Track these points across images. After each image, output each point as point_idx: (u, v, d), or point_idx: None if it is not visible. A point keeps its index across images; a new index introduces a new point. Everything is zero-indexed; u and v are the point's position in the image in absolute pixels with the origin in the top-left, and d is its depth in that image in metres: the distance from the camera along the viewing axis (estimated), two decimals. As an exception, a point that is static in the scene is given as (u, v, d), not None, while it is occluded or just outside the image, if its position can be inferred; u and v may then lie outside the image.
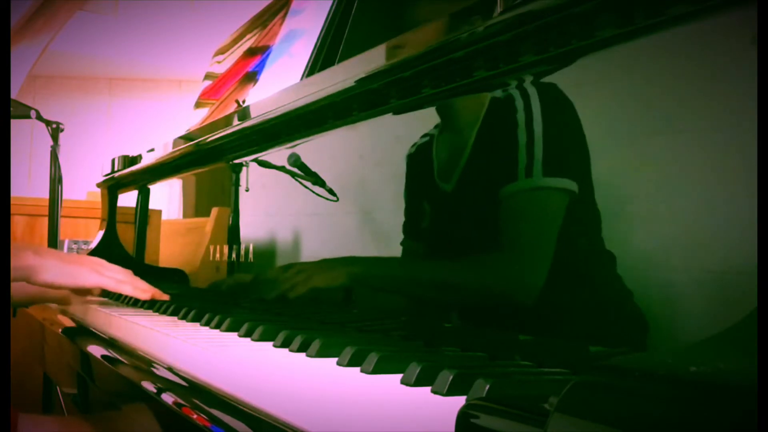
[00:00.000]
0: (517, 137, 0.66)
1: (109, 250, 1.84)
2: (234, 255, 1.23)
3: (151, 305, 1.30)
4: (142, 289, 1.26)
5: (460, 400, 0.46)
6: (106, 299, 1.53)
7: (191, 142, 1.37)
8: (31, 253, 1.21)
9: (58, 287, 1.26)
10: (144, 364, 0.83)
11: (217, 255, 1.29)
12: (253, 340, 0.84)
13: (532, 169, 0.65)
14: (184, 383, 0.70)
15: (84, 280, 1.24)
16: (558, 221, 0.63)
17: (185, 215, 1.57)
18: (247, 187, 1.22)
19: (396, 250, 0.85)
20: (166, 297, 1.27)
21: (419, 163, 0.81)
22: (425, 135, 0.81)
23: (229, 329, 0.93)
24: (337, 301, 0.96)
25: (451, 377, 0.53)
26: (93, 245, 1.89)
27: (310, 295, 1.02)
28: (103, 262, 1.28)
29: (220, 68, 1.75)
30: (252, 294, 1.18)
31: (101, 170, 1.91)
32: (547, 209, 0.64)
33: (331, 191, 0.97)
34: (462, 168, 0.75)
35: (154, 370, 0.79)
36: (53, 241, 2.02)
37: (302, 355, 0.72)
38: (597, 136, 0.60)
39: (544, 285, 0.64)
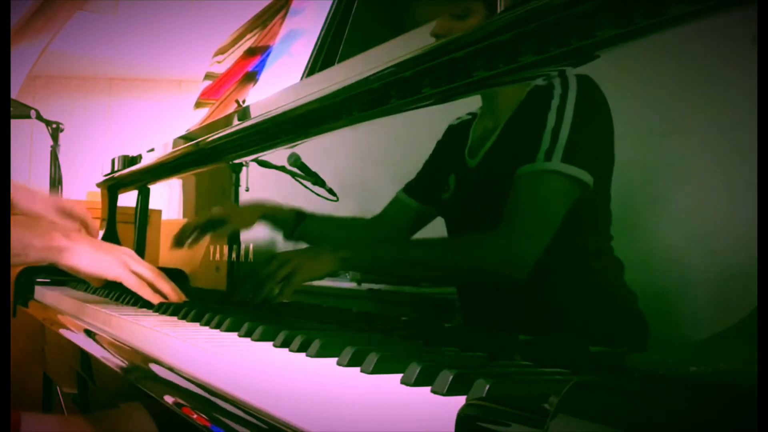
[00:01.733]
0: (546, 122, 0.65)
1: (109, 250, 1.84)
2: (234, 255, 1.23)
3: (151, 305, 1.30)
4: (166, 293, 1.24)
5: (460, 400, 0.46)
6: (106, 299, 1.53)
7: (191, 142, 1.37)
8: (61, 235, 1.20)
9: (83, 274, 1.24)
10: (144, 364, 0.83)
11: (217, 255, 1.29)
12: (253, 340, 0.84)
13: (552, 153, 0.65)
14: (184, 383, 0.70)
15: (108, 271, 1.22)
16: (563, 209, 0.63)
17: (185, 215, 1.57)
18: (247, 187, 1.22)
19: (396, 249, 0.85)
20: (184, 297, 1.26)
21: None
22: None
23: (229, 329, 0.93)
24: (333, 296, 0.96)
25: (451, 377, 0.53)
26: (93, 245, 1.89)
27: (311, 300, 1.02)
28: (133, 255, 1.26)
29: (220, 68, 1.75)
30: (238, 297, 1.18)
31: (101, 170, 1.91)
32: (555, 193, 0.64)
33: (331, 191, 0.97)
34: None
35: (154, 370, 0.79)
36: (53, 241, 2.02)
37: (302, 355, 0.72)
38: (597, 136, 0.60)
39: (544, 284, 0.64)
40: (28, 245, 1.15)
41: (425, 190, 0.82)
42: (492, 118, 0.75)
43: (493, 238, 0.71)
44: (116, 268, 1.22)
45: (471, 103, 0.78)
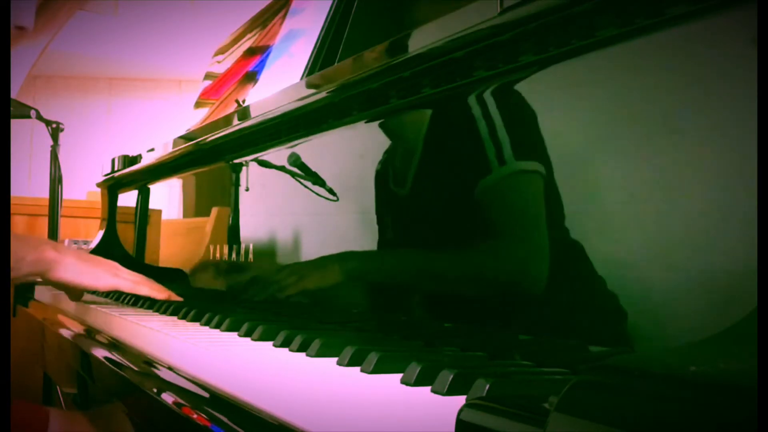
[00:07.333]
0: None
1: (109, 249, 1.84)
2: (234, 255, 1.23)
3: (152, 305, 1.30)
4: (159, 289, 1.27)
5: (460, 400, 0.46)
6: (106, 299, 1.53)
7: (191, 142, 1.37)
8: (50, 248, 1.22)
9: (73, 286, 1.26)
10: (144, 363, 0.83)
11: (217, 255, 1.29)
12: (253, 339, 0.84)
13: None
14: (183, 383, 0.70)
15: (99, 281, 1.25)
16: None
17: (185, 215, 1.57)
18: (247, 187, 1.22)
19: (396, 250, 0.85)
20: (179, 298, 1.28)
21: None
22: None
23: (229, 329, 0.93)
24: (335, 299, 0.96)
25: (451, 377, 0.53)
26: (93, 245, 1.89)
27: (303, 297, 1.02)
28: (119, 265, 1.30)
29: (220, 68, 1.75)
30: (246, 294, 1.18)
31: (101, 170, 1.91)
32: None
33: (331, 191, 0.97)
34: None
35: (154, 369, 0.79)
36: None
37: (302, 354, 0.72)
38: (597, 136, 0.60)
39: (543, 284, 0.64)
40: (20, 259, 1.17)
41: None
42: (450, 135, 0.76)
43: (512, 265, 0.68)
44: (109, 278, 1.26)
45: (420, 124, 0.82)
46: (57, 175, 1.99)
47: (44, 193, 2.10)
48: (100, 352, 1.00)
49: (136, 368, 0.83)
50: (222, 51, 1.81)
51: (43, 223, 2.18)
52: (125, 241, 1.84)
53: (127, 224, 1.84)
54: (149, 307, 1.31)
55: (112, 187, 1.91)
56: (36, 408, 1.17)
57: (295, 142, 1.06)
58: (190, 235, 1.49)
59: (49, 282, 1.26)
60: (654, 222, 0.54)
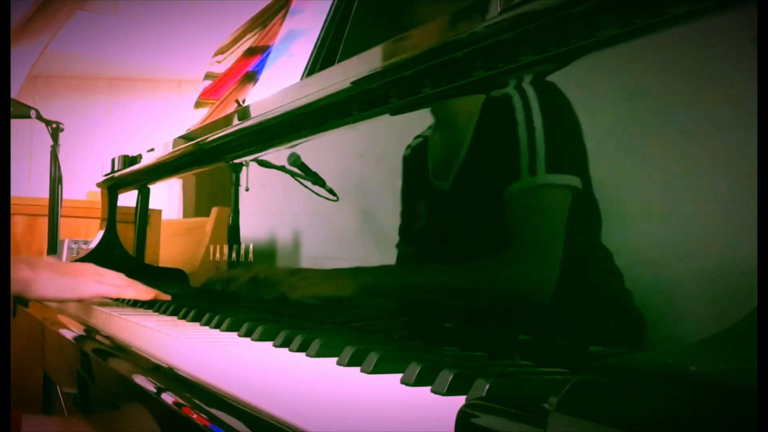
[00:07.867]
0: (518, 135, 0.66)
1: (109, 249, 1.84)
2: (234, 255, 1.23)
3: (151, 305, 1.30)
4: (145, 290, 1.26)
5: (460, 400, 0.46)
6: (106, 299, 1.53)
7: (191, 142, 1.37)
8: (25, 266, 1.17)
9: (56, 301, 1.24)
10: (144, 363, 0.83)
11: (217, 255, 1.29)
12: (253, 339, 0.84)
13: (535, 166, 0.65)
14: (184, 383, 0.70)
15: (83, 291, 1.22)
16: (564, 218, 0.62)
17: (185, 215, 1.57)
18: (247, 187, 1.22)
19: (395, 250, 0.85)
20: (167, 297, 1.27)
21: (415, 164, 0.81)
22: (419, 136, 0.81)
23: (229, 329, 0.93)
24: (335, 299, 0.96)
25: (450, 377, 0.53)
26: (93, 245, 1.89)
27: (311, 300, 1.02)
28: (101, 269, 1.27)
29: (220, 68, 1.75)
30: (254, 294, 1.18)
31: (101, 170, 1.91)
32: (553, 206, 0.64)
33: (331, 191, 0.97)
34: (459, 167, 0.75)
35: (154, 369, 0.79)
36: (53, 241, 2.02)
37: (302, 354, 0.72)
38: (597, 136, 0.60)
39: (544, 284, 0.64)
40: None
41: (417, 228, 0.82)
42: (449, 135, 0.75)
43: (513, 264, 0.68)
44: (92, 287, 1.22)
45: (427, 124, 0.80)
46: (57, 175, 1.99)
47: (44, 193, 2.10)
48: (100, 352, 1.00)
49: (136, 368, 0.83)
50: (222, 51, 1.81)
51: (43, 223, 2.18)
52: (125, 241, 1.84)
53: (127, 224, 1.84)
54: (149, 307, 1.31)
55: (112, 187, 1.91)
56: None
57: (295, 142, 1.06)
58: (190, 235, 1.49)
59: (31, 299, 1.24)
60: (654, 223, 0.54)
